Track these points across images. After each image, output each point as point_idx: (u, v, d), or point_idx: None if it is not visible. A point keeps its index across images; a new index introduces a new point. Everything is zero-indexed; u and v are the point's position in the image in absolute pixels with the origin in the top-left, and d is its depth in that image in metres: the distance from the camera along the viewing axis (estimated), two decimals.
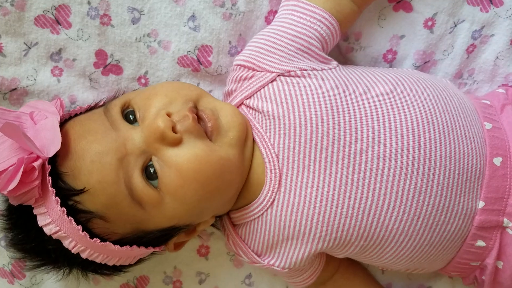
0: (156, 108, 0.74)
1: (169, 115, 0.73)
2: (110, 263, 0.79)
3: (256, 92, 0.80)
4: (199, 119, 0.75)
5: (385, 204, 0.75)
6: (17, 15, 0.86)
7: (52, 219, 0.73)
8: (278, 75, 0.79)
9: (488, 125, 0.79)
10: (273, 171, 0.76)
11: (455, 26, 0.89)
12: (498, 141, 0.78)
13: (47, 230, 0.73)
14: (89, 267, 0.81)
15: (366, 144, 0.74)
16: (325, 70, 0.78)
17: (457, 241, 0.79)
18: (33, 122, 0.76)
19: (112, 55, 0.90)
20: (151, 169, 0.73)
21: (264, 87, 0.79)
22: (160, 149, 0.72)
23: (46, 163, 0.72)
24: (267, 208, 0.78)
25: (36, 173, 0.71)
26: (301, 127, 0.75)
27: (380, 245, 0.78)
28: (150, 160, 0.74)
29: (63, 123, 0.79)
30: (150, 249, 0.81)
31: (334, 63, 0.81)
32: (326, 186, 0.75)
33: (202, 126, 0.74)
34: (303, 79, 0.77)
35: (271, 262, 0.83)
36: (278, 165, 0.76)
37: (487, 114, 0.81)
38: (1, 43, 0.87)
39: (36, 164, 0.70)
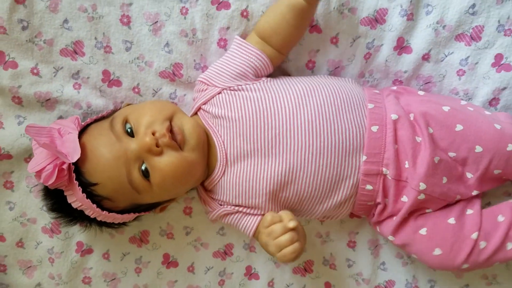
0: (144, 126, 0.88)
1: (153, 133, 0.87)
2: (116, 222, 0.97)
3: (209, 100, 0.95)
4: (172, 132, 0.89)
5: (294, 166, 0.90)
6: (48, 49, 0.99)
7: (76, 198, 0.89)
8: (223, 89, 0.94)
9: (370, 105, 0.93)
10: (222, 152, 0.93)
11: (354, 41, 1.00)
12: (376, 115, 0.92)
13: (74, 205, 0.90)
14: (103, 223, 0.98)
15: (279, 129, 0.89)
16: (255, 83, 0.94)
17: (352, 187, 0.92)
18: (60, 135, 0.89)
19: (113, 73, 1.02)
20: (143, 170, 0.88)
21: (214, 96, 0.95)
22: (148, 157, 0.88)
23: (71, 164, 0.87)
24: (221, 177, 0.94)
25: (65, 172, 0.87)
26: (237, 122, 0.91)
27: (297, 196, 0.93)
28: (143, 162, 0.88)
29: (82, 132, 0.92)
30: (142, 214, 1.00)
31: (264, 79, 0.96)
32: (256, 159, 0.91)
33: (175, 138, 0.88)
34: (239, 92, 0.93)
35: (226, 207, 0.97)
36: (224, 147, 0.92)
37: (373, 99, 0.94)
38: (39, 69, 1.00)
39: (65, 166, 0.86)
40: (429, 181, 0.91)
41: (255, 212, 0.96)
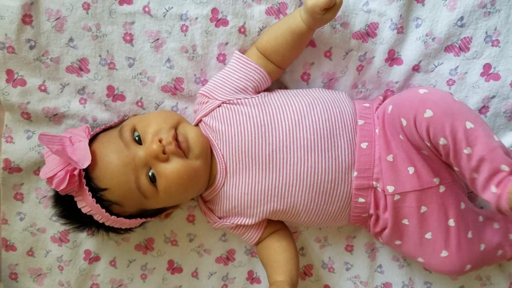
0: (151, 134, 0.91)
1: (160, 140, 0.90)
2: (123, 227, 0.99)
3: (210, 113, 0.98)
4: (177, 140, 0.92)
5: (291, 180, 0.93)
6: (54, 66, 1.02)
7: (86, 203, 0.92)
8: (223, 102, 0.97)
9: (361, 122, 0.96)
10: (221, 165, 0.95)
11: (346, 54, 1.02)
12: (365, 132, 0.95)
13: (83, 210, 0.93)
14: (110, 229, 1.00)
15: (277, 145, 0.92)
16: (253, 98, 0.97)
17: (346, 200, 0.96)
18: (71, 143, 0.92)
19: (117, 88, 1.05)
20: (151, 175, 0.91)
21: (214, 109, 0.97)
22: (155, 163, 0.90)
23: (81, 170, 0.90)
24: (221, 188, 0.97)
25: (76, 178, 0.89)
26: (235, 138, 0.94)
27: (294, 209, 0.96)
28: (150, 168, 0.91)
29: (92, 140, 0.95)
30: (148, 219, 1.01)
31: (262, 93, 0.98)
32: (255, 172, 0.94)
33: (180, 145, 0.91)
34: (238, 106, 0.96)
35: (224, 221, 1.01)
36: (224, 161, 0.95)
37: (363, 114, 0.97)
38: (46, 85, 1.03)
39: (76, 172, 0.89)
40: (394, 180, 0.93)
41: (252, 222, 0.99)
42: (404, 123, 0.89)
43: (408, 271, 1.12)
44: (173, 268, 1.14)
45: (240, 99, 0.97)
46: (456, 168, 0.88)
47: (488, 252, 0.96)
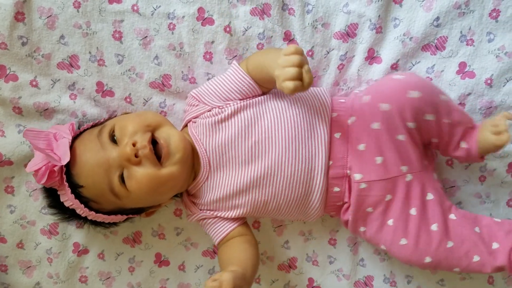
0: (126, 136, 0.92)
1: (134, 144, 0.90)
2: (106, 221, 1.02)
3: (199, 116, 1.00)
4: (155, 143, 0.93)
5: (272, 171, 0.96)
6: (46, 62, 1.04)
7: (68, 198, 0.96)
8: (213, 108, 0.99)
9: (334, 114, 0.99)
10: (205, 160, 0.98)
11: (328, 53, 1.06)
12: (339, 123, 0.98)
13: (66, 204, 0.97)
14: (95, 222, 1.02)
15: (259, 138, 0.95)
16: (242, 101, 0.98)
17: (322, 190, 0.98)
18: (55, 139, 0.95)
19: (107, 84, 1.07)
20: (122, 177, 0.92)
21: (204, 113, 0.99)
22: (127, 166, 0.92)
23: (63, 166, 0.93)
24: (204, 181, 0.99)
25: (57, 173, 0.93)
26: (220, 133, 0.97)
27: (275, 200, 0.98)
28: (123, 170, 0.92)
29: (76, 137, 0.98)
30: (130, 216, 1.04)
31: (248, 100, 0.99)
32: (237, 164, 0.96)
33: (158, 150, 0.92)
34: (226, 108, 0.97)
35: (205, 212, 1.02)
36: (207, 155, 0.98)
37: (337, 108, 1.00)
38: (37, 81, 1.05)
39: (56, 168, 0.93)
40: (362, 168, 0.97)
41: (233, 215, 1.01)
42: (385, 107, 0.93)
43: (389, 265, 1.14)
44: (161, 261, 1.16)
45: (229, 103, 0.99)
46: (434, 139, 0.97)
47: (457, 252, 0.97)
